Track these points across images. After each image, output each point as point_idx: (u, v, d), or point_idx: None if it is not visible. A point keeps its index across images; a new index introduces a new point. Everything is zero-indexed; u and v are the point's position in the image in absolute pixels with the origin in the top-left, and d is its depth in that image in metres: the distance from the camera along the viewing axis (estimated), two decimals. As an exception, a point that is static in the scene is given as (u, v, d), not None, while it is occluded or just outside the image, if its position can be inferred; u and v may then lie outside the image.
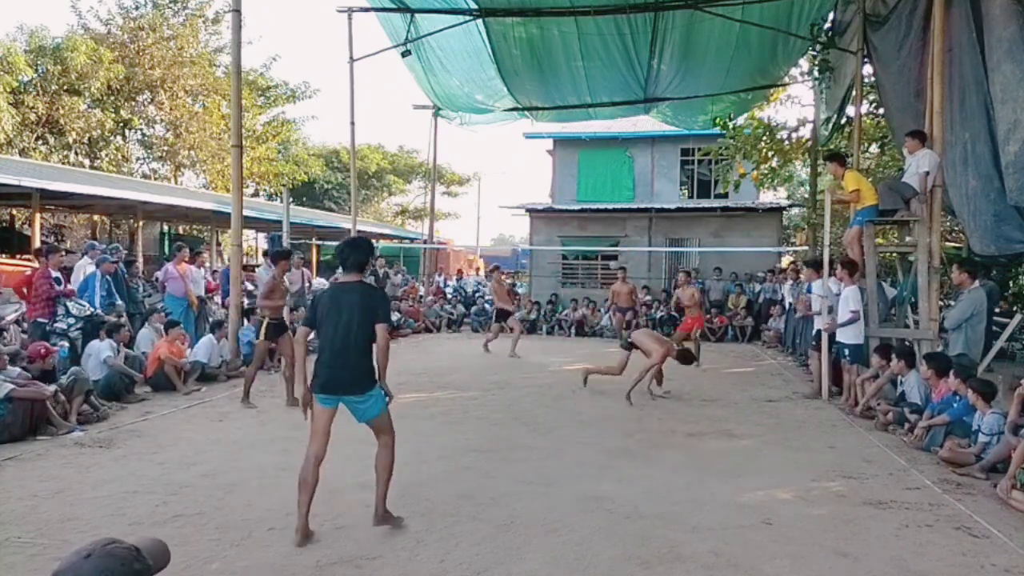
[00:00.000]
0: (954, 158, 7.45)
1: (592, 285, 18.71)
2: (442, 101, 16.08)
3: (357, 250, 3.86)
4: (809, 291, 10.18)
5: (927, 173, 7.35)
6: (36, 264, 9.18)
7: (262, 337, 7.26)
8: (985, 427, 5.25)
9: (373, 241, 25.02)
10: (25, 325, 8.15)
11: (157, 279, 11.01)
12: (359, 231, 16.63)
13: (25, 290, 8.13)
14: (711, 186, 19.70)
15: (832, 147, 14.04)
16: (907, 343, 7.55)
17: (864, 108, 11.64)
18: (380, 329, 3.73)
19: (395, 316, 14.34)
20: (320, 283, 18.66)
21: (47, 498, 4.34)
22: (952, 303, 7.86)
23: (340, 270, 3.97)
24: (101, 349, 7.37)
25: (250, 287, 13.11)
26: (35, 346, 6.72)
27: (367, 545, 3.70)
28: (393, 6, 12.68)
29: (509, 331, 11.78)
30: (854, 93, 10.81)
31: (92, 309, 8.17)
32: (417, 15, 12.67)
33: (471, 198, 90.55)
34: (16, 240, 16.85)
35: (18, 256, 13.76)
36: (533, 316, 15.93)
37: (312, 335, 3.95)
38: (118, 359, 7.52)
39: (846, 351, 7.64)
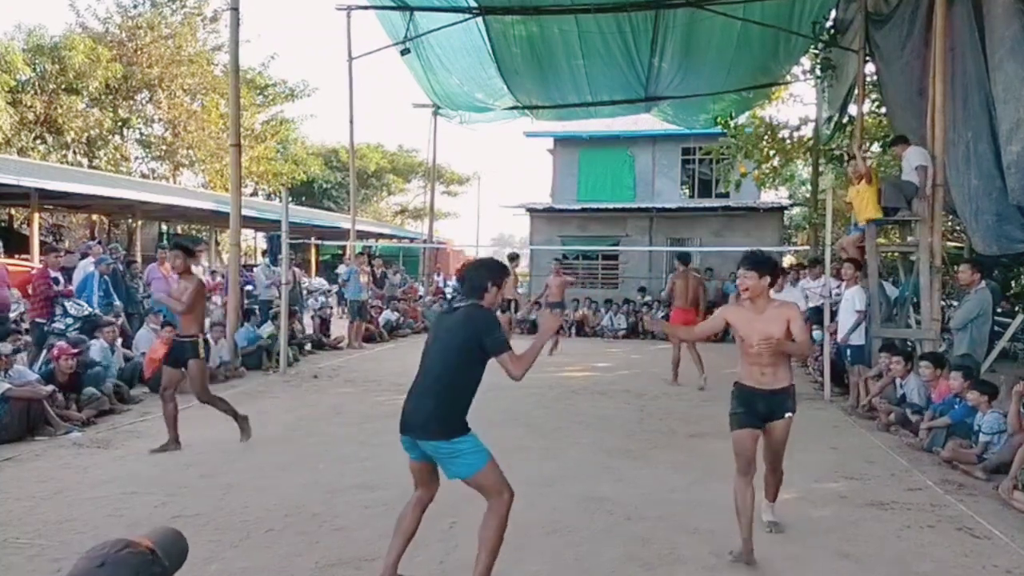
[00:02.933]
0: (956, 158, 7.42)
1: (593, 285, 18.70)
2: (442, 100, 16.05)
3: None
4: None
5: (924, 167, 7.31)
6: (37, 263, 9.17)
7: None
8: (985, 426, 5.23)
9: (373, 241, 24.98)
10: (25, 325, 8.13)
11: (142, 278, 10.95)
12: (358, 231, 16.62)
13: (29, 289, 8.10)
14: (712, 185, 19.67)
15: (834, 146, 14.04)
16: (908, 344, 7.53)
17: (866, 107, 11.63)
18: None
19: (394, 316, 14.34)
20: (320, 283, 18.69)
21: (45, 499, 4.32)
22: (954, 303, 7.83)
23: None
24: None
25: (249, 288, 13.09)
26: (59, 346, 6.60)
27: (367, 546, 3.68)
28: (392, 4, 12.65)
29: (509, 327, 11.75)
30: (856, 92, 10.79)
31: (90, 309, 8.15)
32: (416, 13, 12.64)
33: (471, 198, 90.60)
34: (15, 240, 16.81)
35: (16, 256, 13.71)
36: (533, 316, 15.90)
37: None
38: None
39: (847, 351, 7.61)
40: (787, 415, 3.71)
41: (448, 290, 18.92)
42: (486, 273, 3.23)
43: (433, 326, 3.38)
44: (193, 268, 5.82)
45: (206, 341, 5.70)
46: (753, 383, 3.69)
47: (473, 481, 3.08)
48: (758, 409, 3.68)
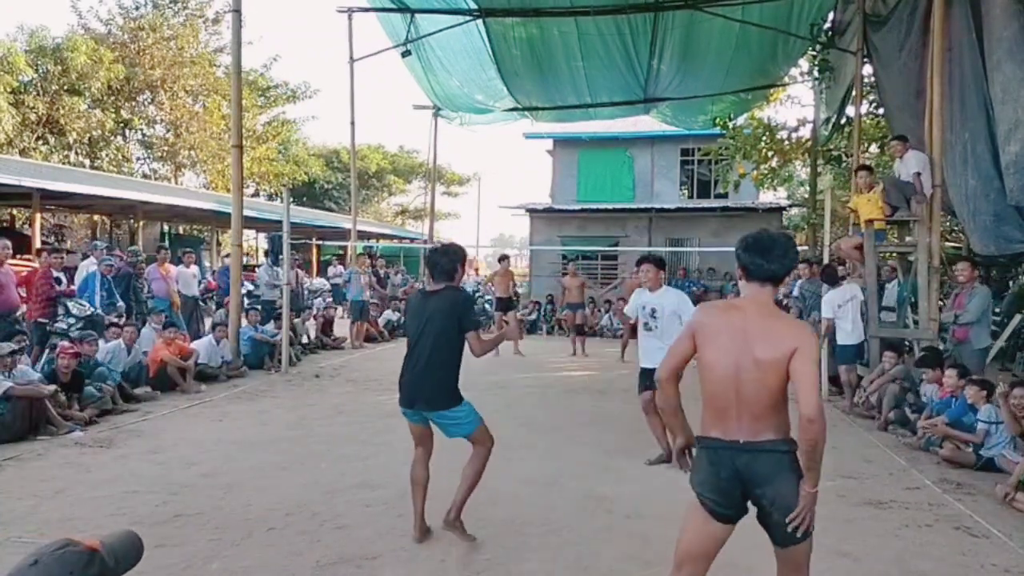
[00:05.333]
0: (954, 158, 7.44)
1: (592, 285, 18.71)
2: (442, 101, 16.07)
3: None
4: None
5: (918, 174, 7.34)
6: (37, 264, 9.19)
7: None
8: (982, 415, 5.27)
9: (374, 242, 25.01)
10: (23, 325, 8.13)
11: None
12: (360, 231, 16.64)
13: (24, 290, 8.12)
14: (711, 186, 19.70)
15: (834, 147, 14.03)
16: (906, 343, 7.54)
17: (864, 108, 11.63)
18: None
19: (395, 316, 14.35)
20: (321, 283, 18.69)
21: (48, 498, 4.34)
22: (943, 302, 7.81)
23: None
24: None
25: (250, 287, 13.12)
26: (61, 346, 6.57)
27: (368, 544, 3.70)
28: (393, 6, 12.69)
29: (503, 325, 11.77)
30: (854, 93, 10.80)
31: (92, 309, 8.18)
32: (417, 15, 12.68)
33: (471, 198, 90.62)
34: (16, 240, 16.85)
35: (17, 256, 13.74)
36: (533, 316, 15.94)
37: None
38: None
39: (836, 352, 7.67)
40: None
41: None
42: (453, 258, 3.69)
43: (415, 309, 3.72)
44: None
45: None
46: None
47: (471, 437, 3.69)
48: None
